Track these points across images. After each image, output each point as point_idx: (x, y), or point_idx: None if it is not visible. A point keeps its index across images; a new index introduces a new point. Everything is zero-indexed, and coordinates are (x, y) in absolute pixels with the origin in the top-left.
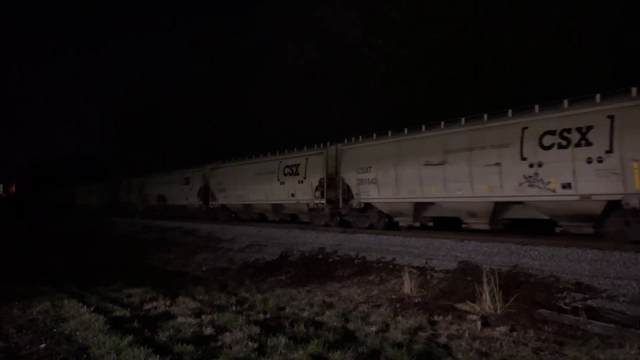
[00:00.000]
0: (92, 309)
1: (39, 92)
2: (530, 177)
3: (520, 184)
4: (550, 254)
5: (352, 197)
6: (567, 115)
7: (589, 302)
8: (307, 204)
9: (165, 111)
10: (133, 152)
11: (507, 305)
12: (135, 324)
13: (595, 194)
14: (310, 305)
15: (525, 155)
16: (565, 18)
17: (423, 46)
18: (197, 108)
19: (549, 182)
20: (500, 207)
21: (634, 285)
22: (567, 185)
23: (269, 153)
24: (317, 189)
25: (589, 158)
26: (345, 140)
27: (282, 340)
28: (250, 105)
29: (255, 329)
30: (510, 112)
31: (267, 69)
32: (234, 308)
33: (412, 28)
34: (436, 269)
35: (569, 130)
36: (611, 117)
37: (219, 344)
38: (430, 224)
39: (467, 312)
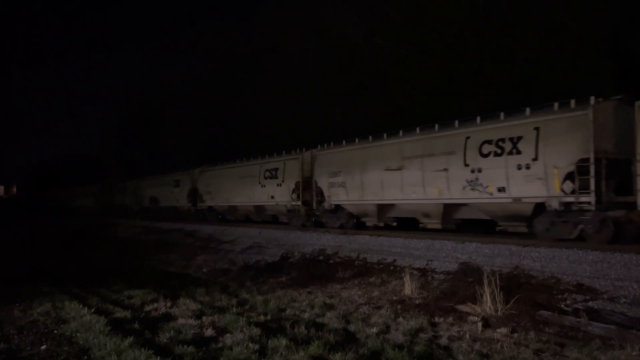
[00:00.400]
0: (93, 310)
1: (40, 94)
2: (472, 181)
3: (464, 188)
4: (551, 256)
5: (325, 200)
6: (502, 126)
7: (590, 303)
8: (285, 206)
9: (165, 113)
10: (133, 154)
11: (508, 306)
12: (136, 326)
13: (524, 197)
14: (311, 307)
15: (467, 162)
16: (566, 19)
17: (423, 47)
18: (198, 110)
19: (487, 186)
20: (449, 208)
21: (634, 287)
22: (502, 189)
23: (251, 157)
24: (293, 191)
25: (519, 165)
26: (319, 146)
27: (283, 341)
28: (250, 107)
29: (256, 331)
30: (456, 122)
31: (267, 70)
32: (234, 309)
33: (413, 29)
34: (437, 270)
35: (503, 140)
36: (537, 129)
37: (220, 345)
38: (394, 224)
39: (468, 314)
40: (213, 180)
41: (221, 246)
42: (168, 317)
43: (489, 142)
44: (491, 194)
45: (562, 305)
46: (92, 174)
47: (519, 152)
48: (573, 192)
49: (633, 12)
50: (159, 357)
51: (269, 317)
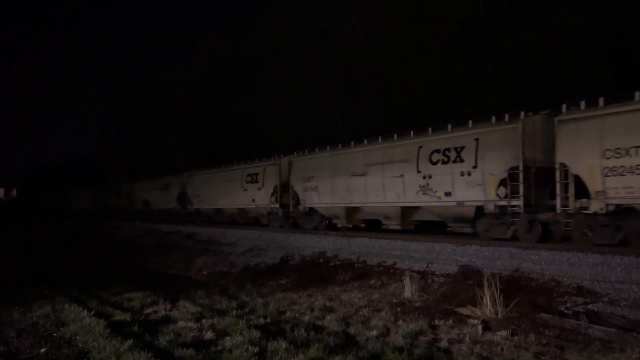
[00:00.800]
0: (93, 313)
1: (41, 96)
2: (423, 186)
3: (417, 192)
4: (551, 258)
5: (300, 203)
6: (448, 137)
7: (590, 306)
8: (265, 208)
9: (166, 114)
10: (134, 155)
11: (508, 309)
12: (136, 328)
13: (467, 201)
14: (310, 310)
15: (420, 169)
16: (566, 19)
17: (423, 47)
18: (199, 111)
19: (437, 191)
20: (406, 211)
21: (635, 290)
22: (448, 194)
23: (235, 163)
24: (272, 195)
25: (462, 172)
26: (295, 152)
27: (283, 344)
28: (251, 108)
29: (256, 333)
30: (412, 133)
31: (268, 71)
32: (234, 312)
33: (413, 29)
34: (437, 273)
35: (449, 150)
36: (477, 140)
37: (220, 348)
38: (363, 225)
39: (468, 316)
40: (200, 184)
41: (221, 248)
42: (168, 320)
43: (438, 151)
44: (440, 198)
45: (562, 308)
46: (92, 176)
47: (462, 161)
48: (506, 196)
49: (633, 12)
50: None
51: (268, 319)
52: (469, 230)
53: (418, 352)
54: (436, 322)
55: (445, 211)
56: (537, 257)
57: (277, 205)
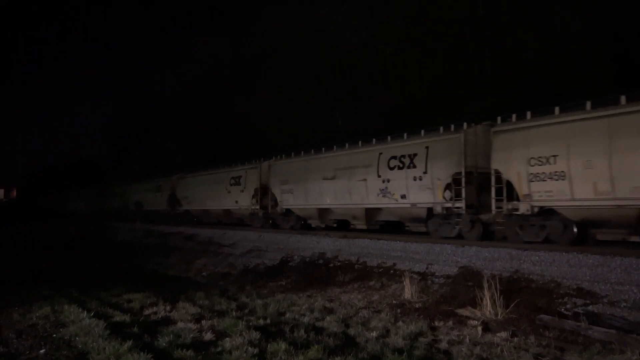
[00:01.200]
0: (92, 314)
1: (41, 96)
2: (383, 189)
3: (378, 195)
4: (551, 259)
5: (278, 204)
6: (404, 145)
7: (590, 307)
8: (247, 209)
9: (165, 115)
10: (133, 156)
11: (508, 310)
12: (135, 329)
13: (419, 203)
14: (310, 311)
15: (380, 174)
16: (567, 20)
17: (423, 48)
18: (198, 112)
19: (394, 194)
20: (369, 212)
21: (635, 291)
22: (404, 196)
23: (220, 166)
24: (253, 197)
25: (415, 177)
26: (274, 157)
27: (282, 345)
28: (250, 109)
29: (256, 335)
30: (374, 140)
31: (268, 72)
32: (234, 313)
33: (413, 30)
34: (437, 274)
35: (404, 156)
36: (427, 148)
37: (219, 349)
38: (335, 225)
39: (468, 318)
40: (189, 186)
41: (221, 250)
42: (167, 321)
43: (395, 157)
44: (397, 200)
45: (562, 309)
46: (91, 177)
47: (414, 166)
48: (451, 199)
49: (633, 12)
50: None
51: (268, 320)
52: (423, 229)
53: (418, 353)
54: (436, 323)
55: (402, 212)
56: (537, 258)
57: (258, 207)
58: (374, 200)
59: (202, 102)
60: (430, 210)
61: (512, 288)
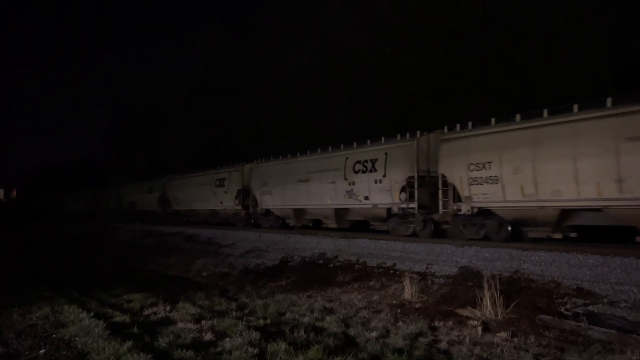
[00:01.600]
0: (92, 314)
1: (42, 97)
2: (349, 191)
3: (345, 196)
4: (551, 260)
5: (258, 205)
6: (367, 150)
7: (590, 307)
8: (231, 210)
9: (166, 116)
10: (134, 157)
11: (508, 310)
12: (135, 330)
13: (380, 204)
14: (310, 311)
15: (346, 177)
16: (567, 21)
17: (423, 50)
18: (198, 113)
19: (359, 196)
20: (338, 212)
21: (635, 291)
22: (367, 198)
23: (206, 169)
24: (236, 197)
25: (376, 180)
26: (255, 160)
27: (282, 346)
28: (251, 110)
29: (256, 335)
30: (342, 146)
31: (268, 73)
32: (234, 313)
33: (413, 32)
34: (437, 274)
35: (367, 161)
36: (386, 153)
37: (219, 349)
38: (310, 224)
39: (468, 318)
40: (178, 187)
41: (221, 250)
42: (167, 321)
43: (359, 162)
44: (361, 201)
45: (562, 310)
46: (91, 178)
47: (375, 170)
48: (406, 200)
49: (633, 12)
50: None
51: (268, 321)
52: (385, 228)
53: (418, 353)
54: (436, 323)
55: (366, 212)
56: (537, 258)
57: (241, 207)
58: (342, 202)
59: (202, 102)
60: (389, 210)
61: (512, 288)
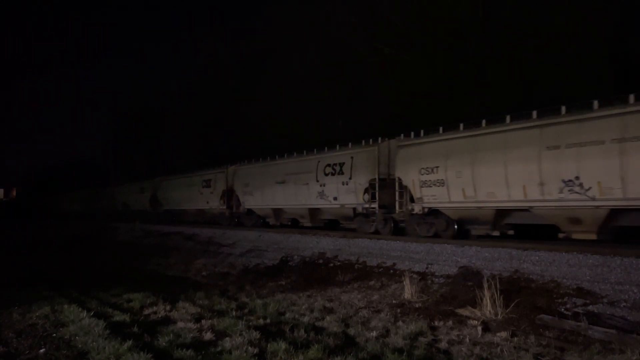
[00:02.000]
0: (92, 313)
1: (42, 97)
2: (320, 192)
3: (317, 197)
4: (551, 259)
5: (241, 204)
6: (335, 154)
7: (590, 307)
8: (217, 210)
9: (166, 116)
10: (134, 158)
11: (508, 310)
12: (135, 329)
13: (347, 204)
14: (310, 311)
15: (318, 179)
16: (567, 22)
17: (424, 50)
18: (199, 113)
19: (329, 196)
20: (312, 211)
21: (635, 291)
22: (335, 198)
23: (193, 170)
24: (221, 198)
25: (343, 182)
26: (238, 162)
27: (282, 345)
28: (251, 110)
29: (255, 334)
30: (315, 150)
31: (268, 74)
32: (234, 313)
33: (413, 32)
34: (437, 274)
35: (336, 164)
36: (352, 157)
37: (219, 349)
38: (289, 223)
39: (468, 318)
40: (168, 188)
41: (221, 250)
42: (167, 321)
43: (329, 165)
44: (331, 202)
45: (562, 309)
46: (91, 178)
47: (343, 173)
48: (369, 201)
49: (633, 12)
50: None
51: (268, 320)
52: (353, 226)
53: (418, 353)
54: (436, 323)
55: (335, 212)
56: (537, 258)
57: (225, 207)
58: (314, 202)
59: (202, 102)
60: (355, 210)
61: (512, 288)
